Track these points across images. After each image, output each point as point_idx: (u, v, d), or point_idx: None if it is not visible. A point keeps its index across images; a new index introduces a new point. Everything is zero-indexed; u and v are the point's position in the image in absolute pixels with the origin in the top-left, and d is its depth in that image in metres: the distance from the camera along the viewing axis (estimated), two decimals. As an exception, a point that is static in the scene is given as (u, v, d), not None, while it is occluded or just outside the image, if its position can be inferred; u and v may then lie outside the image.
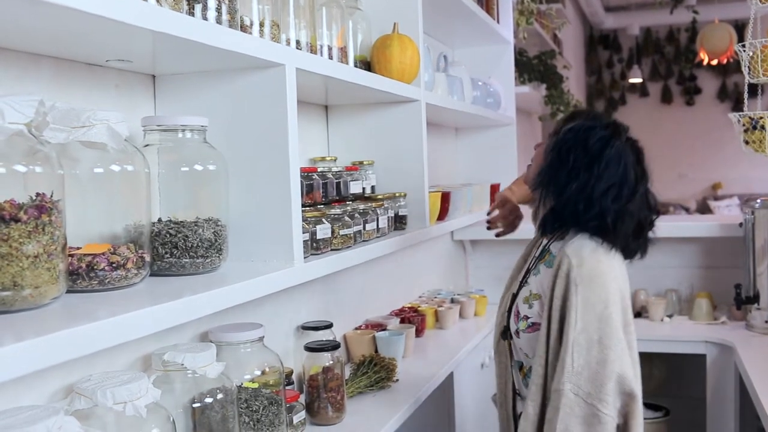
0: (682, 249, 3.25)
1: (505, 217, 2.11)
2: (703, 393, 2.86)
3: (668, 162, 9.12)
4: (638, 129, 1.87)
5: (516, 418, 1.78)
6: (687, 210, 9.08)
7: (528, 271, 1.79)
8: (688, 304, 3.18)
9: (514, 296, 1.79)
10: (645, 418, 1.68)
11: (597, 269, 1.61)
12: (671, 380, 3.37)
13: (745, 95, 2.99)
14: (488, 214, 2.17)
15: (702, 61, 6.73)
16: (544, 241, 1.79)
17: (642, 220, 1.69)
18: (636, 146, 1.72)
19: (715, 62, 6.64)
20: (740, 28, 7.16)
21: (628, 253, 1.71)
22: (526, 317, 1.73)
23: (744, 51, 2.88)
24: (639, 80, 9.81)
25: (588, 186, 1.64)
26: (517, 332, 1.74)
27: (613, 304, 1.58)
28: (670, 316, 3.17)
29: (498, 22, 3.24)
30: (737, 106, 8.71)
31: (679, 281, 3.25)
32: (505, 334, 1.80)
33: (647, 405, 2.95)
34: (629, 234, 1.67)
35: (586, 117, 1.76)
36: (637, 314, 3.14)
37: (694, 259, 3.25)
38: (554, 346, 1.61)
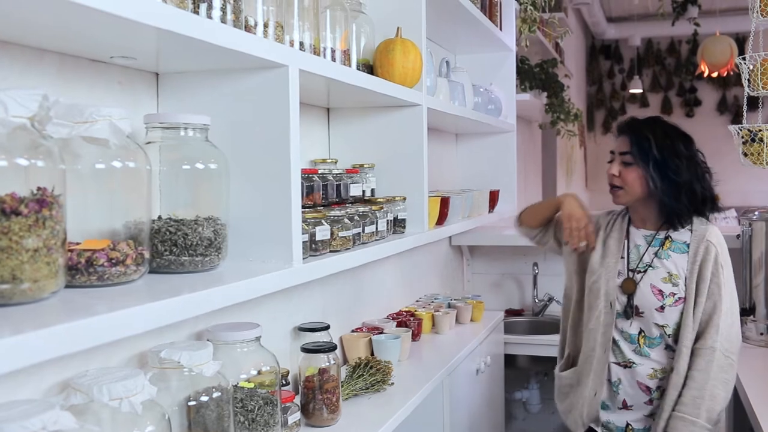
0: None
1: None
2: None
3: (667, 173, 9.10)
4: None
5: (610, 382, 2.12)
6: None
7: (627, 256, 2.12)
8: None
9: (631, 281, 2.09)
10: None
11: (728, 253, 2.08)
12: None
13: (744, 108, 3.00)
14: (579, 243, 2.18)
15: (702, 73, 6.75)
16: (651, 233, 2.12)
17: None
18: None
19: (715, 75, 6.67)
20: (741, 41, 7.17)
21: None
22: (672, 294, 2.06)
23: (744, 64, 2.89)
24: (639, 91, 9.82)
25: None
26: (661, 308, 2.06)
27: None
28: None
29: (501, 29, 3.24)
30: (736, 119, 8.73)
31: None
32: (627, 313, 2.09)
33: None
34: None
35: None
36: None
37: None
38: (698, 314, 2.02)
